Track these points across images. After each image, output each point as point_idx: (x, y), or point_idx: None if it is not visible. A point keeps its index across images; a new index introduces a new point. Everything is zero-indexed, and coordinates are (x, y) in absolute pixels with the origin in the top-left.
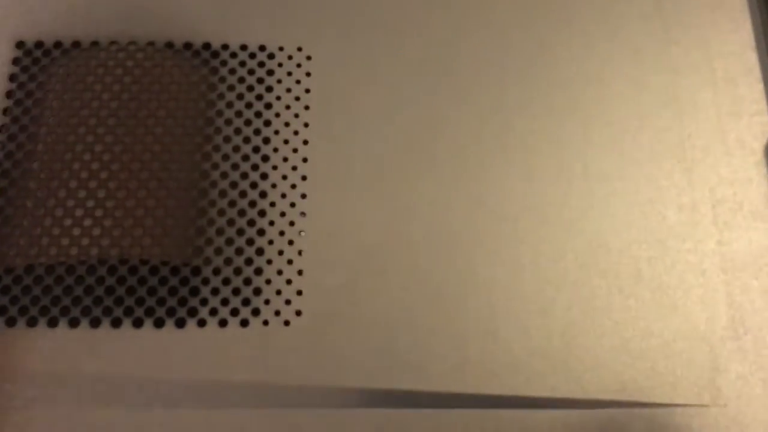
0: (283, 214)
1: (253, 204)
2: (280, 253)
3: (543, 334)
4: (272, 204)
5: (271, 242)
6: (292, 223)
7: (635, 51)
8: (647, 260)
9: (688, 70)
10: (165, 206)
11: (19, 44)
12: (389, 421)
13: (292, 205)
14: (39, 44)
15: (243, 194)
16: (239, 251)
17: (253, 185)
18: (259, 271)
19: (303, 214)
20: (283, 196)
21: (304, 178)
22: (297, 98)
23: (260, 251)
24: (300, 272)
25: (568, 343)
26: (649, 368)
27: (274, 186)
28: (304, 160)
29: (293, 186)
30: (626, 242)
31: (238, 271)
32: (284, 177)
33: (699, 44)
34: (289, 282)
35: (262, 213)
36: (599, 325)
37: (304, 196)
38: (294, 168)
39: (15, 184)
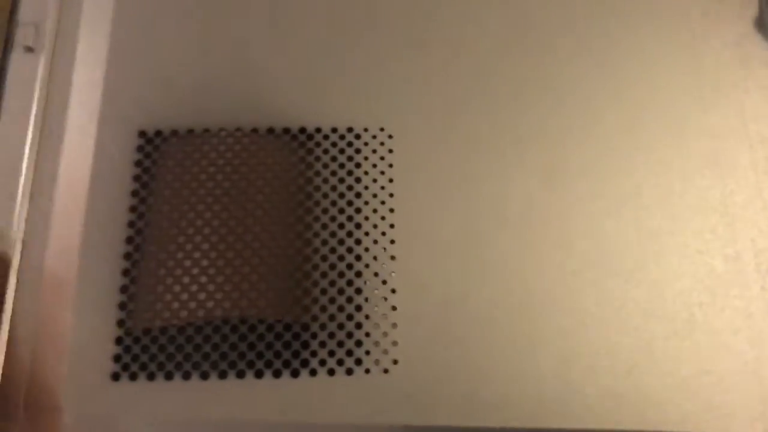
0: (376, 274)
1: (350, 266)
2: (376, 308)
3: (610, 374)
4: (366, 265)
5: (367, 299)
6: (384, 282)
7: (678, 117)
8: (699, 306)
9: (726, 134)
10: (275, 271)
11: (141, 134)
12: None
13: (384, 265)
14: (158, 133)
15: (341, 258)
16: (341, 308)
17: (349, 250)
18: (359, 326)
19: (393, 273)
20: (375, 258)
21: (392, 241)
22: (382, 172)
23: (359, 308)
24: (394, 325)
25: (633, 382)
26: (706, 402)
27: (367, 250)
28: (392, 226)
29: (384, 249)
30: (679, 290)
31: (341, 326)
32: (375, 241)
33: (734, 109)
34: (385, 334)
35: (358, 274)
36: (659, 365)
37: (393, 257)
38: (383, 233)
39: (147, 256)
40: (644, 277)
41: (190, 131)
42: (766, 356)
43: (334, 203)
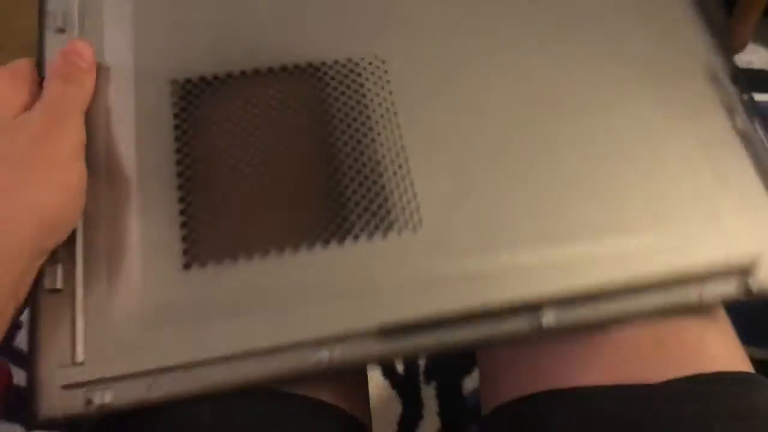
0: (392, 161)
1: (370, 159)
2: (397, 186)
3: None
4: (383, 156)
5: (389, 180)
6: (400, 166)
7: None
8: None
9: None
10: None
11: (174, 82)
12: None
13: (399, 154)
14: (188, 80)
15: (362, 153)
16: (369, 189)
17: (367, 147)
18: (386, 200)
19: (407, 158)
20: (390, 150)
21: (401, 136)
22: (382, 88)
23: (383, 187)
24: (415, 195)
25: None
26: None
27: (381, 145)
28: (398, 125)
29: (395, 142)
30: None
31: (371, 202)
32: (387, 138)
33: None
34: (409, 203)
35: (378, 163)
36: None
37: (403, 147)
38: (392, 131)
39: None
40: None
41: (216, 77)
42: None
43: (347, 115)
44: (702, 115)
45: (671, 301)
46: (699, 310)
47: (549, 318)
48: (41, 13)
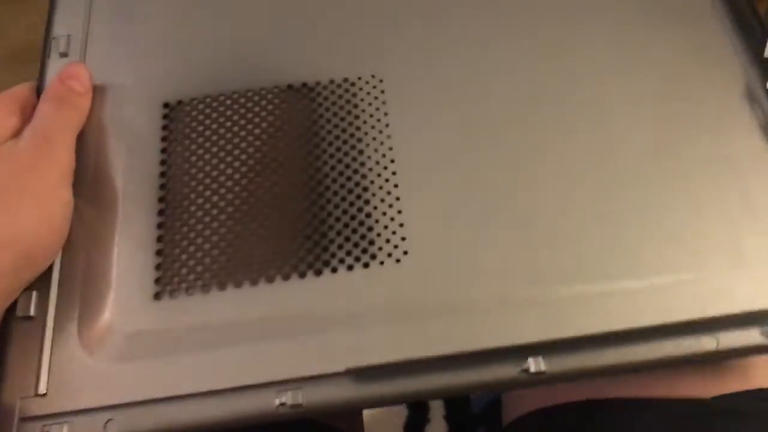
0: (380, 187)
1: (357, 184)
2: (384, 214)
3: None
4: (372, 182)
5: (376, 207)
6: (389, 192)
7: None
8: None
9: None
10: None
11: (166, 105)
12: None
13: (387, 180)
14: (179, 102)
15: (349, 178)
16: (353, 217)
17: (355, 171)
18: (370, 229)
19: (395, 185)
20: (379, 175)
21: (392, 160)
22: (377, 108)
23: (369, 215)
24: (402, 225)
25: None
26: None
27: (371, 169)
28: (390, 148)
29: (385, 167)
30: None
31: (354, 231)
32: (377, 162)
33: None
34: (394, 233)
35: (365, 189)
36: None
37: (394, 173)
38: (383, 155)
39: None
40: None
41: (206, 97)
42: None
43: (338, 137)
44: (734, 135)
45: (683, 350)
46: (716, 360)
47: (540, 365)
48: (46, 39)
